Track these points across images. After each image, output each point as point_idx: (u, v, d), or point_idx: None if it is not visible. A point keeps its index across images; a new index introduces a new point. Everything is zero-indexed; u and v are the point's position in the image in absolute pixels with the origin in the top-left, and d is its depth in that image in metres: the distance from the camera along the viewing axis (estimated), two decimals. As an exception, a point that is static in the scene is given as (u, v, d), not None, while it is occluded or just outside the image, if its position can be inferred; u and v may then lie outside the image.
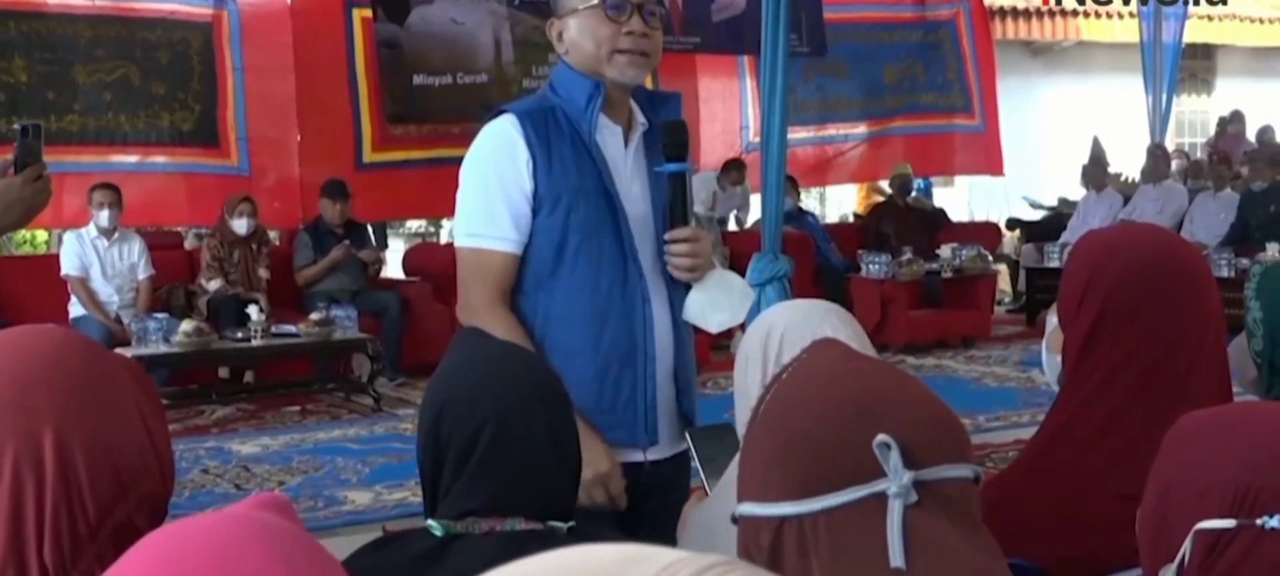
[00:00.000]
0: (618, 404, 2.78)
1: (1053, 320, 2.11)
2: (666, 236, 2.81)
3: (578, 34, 2.80)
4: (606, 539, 1.92)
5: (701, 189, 11.73)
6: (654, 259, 2.83)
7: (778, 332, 2.08)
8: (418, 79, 10.79)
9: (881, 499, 1.24)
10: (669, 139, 2.82)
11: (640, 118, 2.90)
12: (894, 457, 1.24)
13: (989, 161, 14.50)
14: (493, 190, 2.77)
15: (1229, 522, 1.36)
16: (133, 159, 10.30)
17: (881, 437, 1.24)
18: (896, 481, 1.24)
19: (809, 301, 2.23)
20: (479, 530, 1.77)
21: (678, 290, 2.85)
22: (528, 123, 2.76)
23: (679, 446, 2.85)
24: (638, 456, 2.81)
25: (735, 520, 1.34)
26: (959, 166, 14.94)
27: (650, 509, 2.73)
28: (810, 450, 1.27)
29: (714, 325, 2.83)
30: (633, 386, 2.79)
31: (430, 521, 1.79)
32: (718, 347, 10.07)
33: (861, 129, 13.94)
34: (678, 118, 2.91)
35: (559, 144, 2.76)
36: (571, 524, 1.84)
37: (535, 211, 2.75)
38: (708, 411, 2.94)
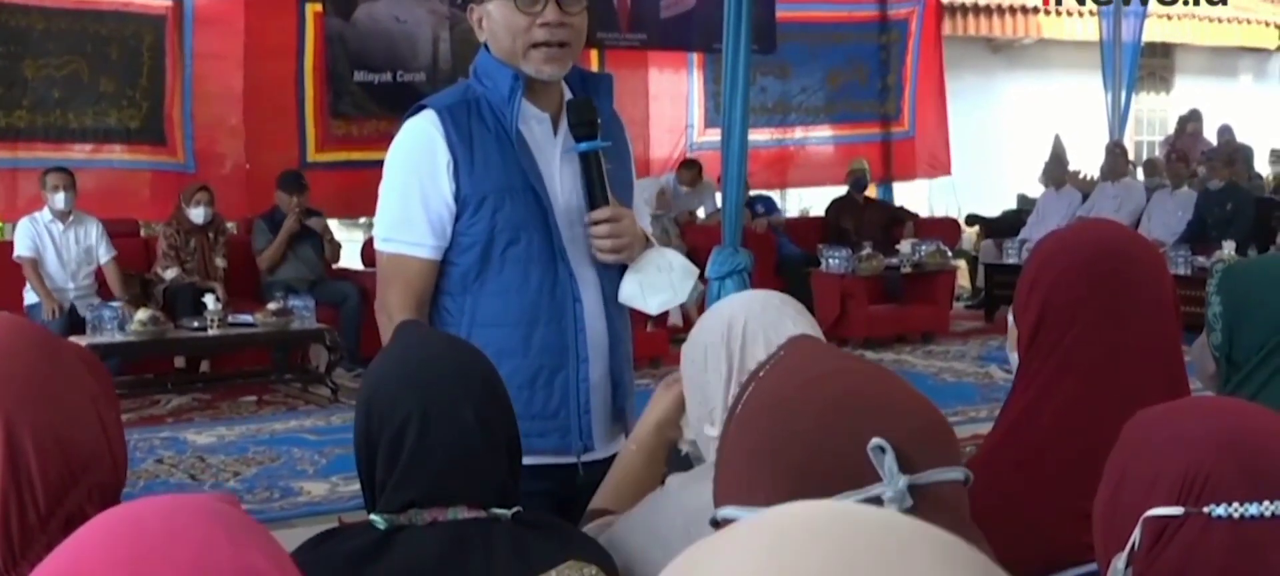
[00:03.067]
0: (548, 410, 2.70)
1: (1011, 317, 2.12)
2: (586, 218, 2.72)
3: (494, 24, 2.73)
4: (551, 524, 1.90)
5: (649, 191, 11.73)
6: (586, 253, 2.74)
7: (739, 323, 2.02)
8: (359, 75, 10.86)
9: (876, 503, 1.20)
10: (575, 117, 2.72)
11: None
12: (889, 461, 1.20)
13: (923, 165, 14.44)
14: (411, 193, 2.70)
15: (1177, 510, 1.37)
16: (80, 156, 10.14)
17: (876, 441, 1.20)
18: (892, 486, 1.20)
19: (763, 292, 2.19)
20: (422, 521, 1.75)
21: (613, 284, 2.77)
22: (448, 119, 2.68)
23: (614, 447, 2.77)
24: (570, 460, 2.73)
25: (716, 523, 1.28)
26: (898, 172, 14.76)
27: (583, 509, 2.65)
28: (800, 453, 1.23)
29: (653, 306, 2.75)
30: (564, 391, 2.71)
31: (373, 516, 1.77)
32: (677, 340, 10.08)
33: (799, 133, 13.88)
34: (608, 100, 2.84)
35: (482, 139, 2.68)
36: (516, 509, 1.82)
37: (459, 212, 2.68)
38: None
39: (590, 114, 2.72)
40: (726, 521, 1.26)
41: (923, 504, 1.21)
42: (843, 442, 1.22)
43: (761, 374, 1.34)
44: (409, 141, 2.73)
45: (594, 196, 2.71)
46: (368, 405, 1.82)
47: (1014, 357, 2.09)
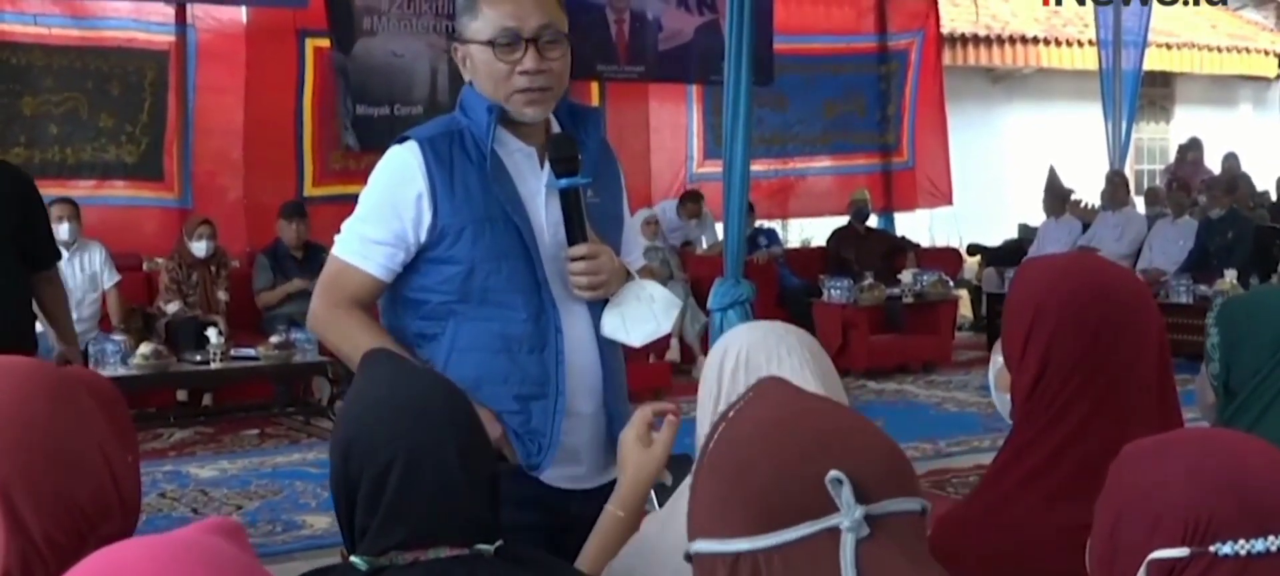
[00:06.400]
0: (524, 435, 2.72)
1: (997, 359, 2.11)
2: (564, 255, 2.73)
3: (477, 67, 2.75)
4: (535, 558, 1.89)
5: (639, 221, 11.71)
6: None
7: (733, 353, 2.05)
8: (360, 109, 10.86)
9: (835, 533, 1.25)
10: (555, 154, 2.73)
11: None
12: (846, 492, 1.25)
13: (924, 195, 14.41)
14: (373, 220, 2.74)
15: (1182, 551, 1.38)
16: (78, 193, 10.07)
17: (833, 473, 1.25)
18: (848, 516, 1.25)
19: (766, 323, 2.20)
20: (402, 562, 1.72)
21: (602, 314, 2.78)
22: (430, 151, 2.70)
23: (608, 477, 2.74)
24: (562, 487, 2.75)
25: (689, 557, 1.34)
26: (899, 202, 14.69)
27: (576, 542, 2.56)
28: (763, 486, 1.28)
29: (636, 339, 2.76)
30: (542, 419, 2.72)
31: (353, 558, 1.74)
32: (680, 371, 10.08)
33: (798, 164, 13.88)
34: (596, 133, 2.86)
35: (463, 170, 2.70)
36: (498, 543, 1.79)
37: (438, 241, 2.70)
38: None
39: (570, 150, 2.73)
40: (699, 555, 1.32)
41: (880, 533, 1.26)
42: (804, 477, 1.27)
43: (730, 415, 1.38)
44: (388, 170, 2.77)
45: (573, 233, 2.73)
46: (346, 447, 1.78)
47: (1001, 398, 2.09)
